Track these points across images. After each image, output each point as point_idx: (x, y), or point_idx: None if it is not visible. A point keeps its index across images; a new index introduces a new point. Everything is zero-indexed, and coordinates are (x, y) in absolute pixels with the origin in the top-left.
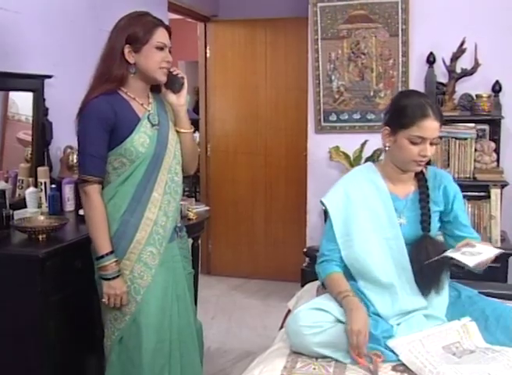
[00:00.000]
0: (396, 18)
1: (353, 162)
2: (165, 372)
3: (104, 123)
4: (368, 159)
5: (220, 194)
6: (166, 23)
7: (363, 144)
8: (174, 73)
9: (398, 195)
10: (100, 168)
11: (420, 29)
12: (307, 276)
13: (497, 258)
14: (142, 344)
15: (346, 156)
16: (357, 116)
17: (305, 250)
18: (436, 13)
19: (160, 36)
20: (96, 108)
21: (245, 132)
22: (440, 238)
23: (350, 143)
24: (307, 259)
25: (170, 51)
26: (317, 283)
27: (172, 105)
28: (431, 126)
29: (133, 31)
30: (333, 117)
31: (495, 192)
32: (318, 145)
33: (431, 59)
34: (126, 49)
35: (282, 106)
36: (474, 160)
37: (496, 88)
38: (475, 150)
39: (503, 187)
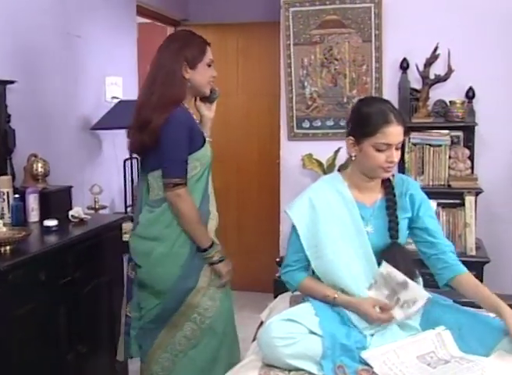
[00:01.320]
0: (369, 23)
1: (327, 169)
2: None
3: (188, 131)
4: (341, 167)
5: None
6: (134, 26)
7: (336, 152)
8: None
9: (364, 203)
10: (186, 171)
11: (393, 34)
12: (280, 286)
13: (473, 266)
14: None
15: (320, 164)
16: (330, 123)
17: (278, 260)
18: (410, 19)
19: (210, 54)
20: (181, 117)
21: (216, 139)
22: (411, 246)
23: (323, 150)
24: (280, 269)
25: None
26: (290, 293)
27: (204, 116)
28: (395, 132)
29: (190, 52)
30: (306, 124)
31: (469, 200)
32: (291, 152)
33: (404, 65)
34: (184, 67)
35: (254, 112)
36: (449, 167)
37: (470, 95)
38: (449, 157)
39: (477, 194)
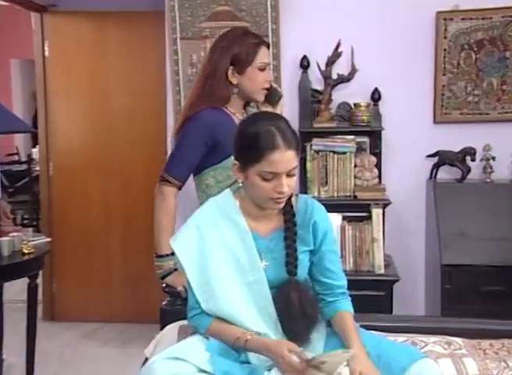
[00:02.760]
0: (265, 16)
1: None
2: None
3: (209, 135)
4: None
5: (66, 221)
6: None
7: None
8: (273, 85)
9: (260, 233)
10: (183, 174)
11: (292, 29)
12: (168, 316)
13: (382, 286)
14: None
15: None
16: None
17: (165, 285)
18: (310, 12)
19: (262, 56)
20: (204, 118)
21: (96, 147)
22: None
23: None
24: (167, 297)
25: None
26: (179, 323)
27: None
28: (282, 159)
29: (237, 53)
30: None
31: (376, 212)
32: None
33: (304, 64)
34: (230, 71)
35: (140, 117)
36: (355, 176)
37: (375, 96)
38: (355, 165)
39: (385, 206)
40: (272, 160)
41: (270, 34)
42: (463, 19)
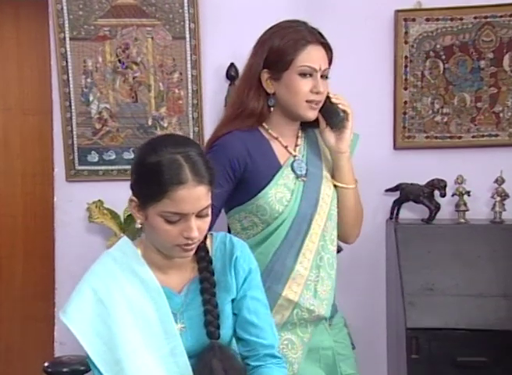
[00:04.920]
0: (180, 13)
1: (125, 224)
2: None
3: (234, 167)
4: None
5: None
6: None
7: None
8: (333, 100)
9: (172, 289)
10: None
11: (215, 30)
12: None
13: None
14: None
15: (114, 215)
16: (129, 155)
17: (47, 365)
18: (237, 9)
19: (307, 58)
20: (226, 147)
21: None
22: None
23: (119, 195)
24: None
25: (326, 76)
26: None
27: (330, 149)
28: (191, 197)
29: (272, 54)
30: (94, 157)
31: None
32: (72, 199)
33: (232, 73)
34: (264, 75)
35: (16, 138)
36: None
37: None
38: None
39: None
40: (176, 198)
41: (188, 36)
42: (427, 19)
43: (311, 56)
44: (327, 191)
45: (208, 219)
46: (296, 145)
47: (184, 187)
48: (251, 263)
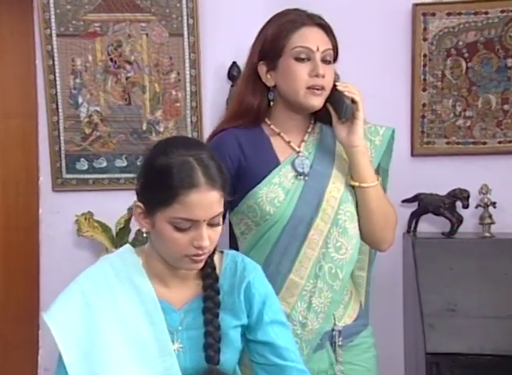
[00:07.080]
0: (178, 7)
1: (117, 238)
2: None
3: (227, 165)
4: (138, 233)
5: None
6: None
7: (132, 209)
8: (338, 88)
9: (172, 304)
10: None
11: (216, 25)
12: None
13: None
14: None
15: (105, 229)
16: (121, 163)
17: None
18: (240, 2)
19: (300, 39)
20: (219, 144)
21: None
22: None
23: (110, 207)
24: None
25: (330, 60)
26: None
27: (342, 144)
28: (203, 202)
29: (266, 43)
30: (83, 164)
31: None
32: (59, 210)
33: (234, 73)
34: (262, 68)
35: None
36: None
37: None
38: None
39: None
40: (188, 203)
41: (186, 33)
42: (448, 14)
43: (306, 37)
44: (334, 193)
45: (219, 229)
46: (301, 141)
47: (197, 191)
48: (266, 289)
